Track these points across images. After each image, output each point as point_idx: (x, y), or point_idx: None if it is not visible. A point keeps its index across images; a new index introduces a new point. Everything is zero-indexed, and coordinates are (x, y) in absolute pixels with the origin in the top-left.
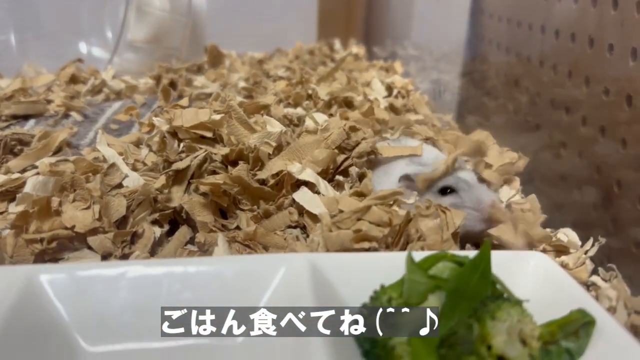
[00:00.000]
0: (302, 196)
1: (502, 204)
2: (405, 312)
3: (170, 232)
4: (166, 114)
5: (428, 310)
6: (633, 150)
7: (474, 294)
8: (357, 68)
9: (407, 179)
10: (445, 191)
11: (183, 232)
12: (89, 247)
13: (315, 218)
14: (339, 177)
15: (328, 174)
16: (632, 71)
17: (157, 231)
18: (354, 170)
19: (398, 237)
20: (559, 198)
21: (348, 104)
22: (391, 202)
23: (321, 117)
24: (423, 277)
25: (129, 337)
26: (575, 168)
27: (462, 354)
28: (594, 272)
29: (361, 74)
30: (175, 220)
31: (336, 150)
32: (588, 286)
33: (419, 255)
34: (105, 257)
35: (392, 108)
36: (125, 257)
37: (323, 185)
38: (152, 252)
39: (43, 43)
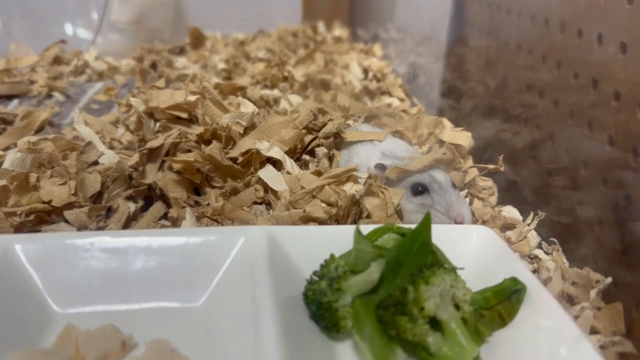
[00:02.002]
0: (267, 174)
1: (470, 215)
2: (350, 278)
3: (146, 208)
4: (143, 95)
5: (370, 275)
6: (597, 132)
7: (413, 262)
8: (337, 51)
9: (381, 168)
10: (416, 189)
11: (157, 207)
12: (66, 221)
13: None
14: (306, 157)
15: (296, 153)
16: (597, 56)
17: (132, 206)
18: (320, 150)
19: (345, 216)
20: (531, 179)
21: (325, 86)
22: (344, 179)
23: (296, 99)
24: (369, 246)
25: (97, 301)
26: (547, 150)
27: (395, 315)
28: (540, 246)
29: (341, 56)
30: (151, 196)
31: (303, 131)
32: (531, 258)
33: (368, 228)
34: (81, 230)
35: (366, 90)
36: (100, 230)
37: (289, 163)
38: (126, 226)
39: (29, 24)
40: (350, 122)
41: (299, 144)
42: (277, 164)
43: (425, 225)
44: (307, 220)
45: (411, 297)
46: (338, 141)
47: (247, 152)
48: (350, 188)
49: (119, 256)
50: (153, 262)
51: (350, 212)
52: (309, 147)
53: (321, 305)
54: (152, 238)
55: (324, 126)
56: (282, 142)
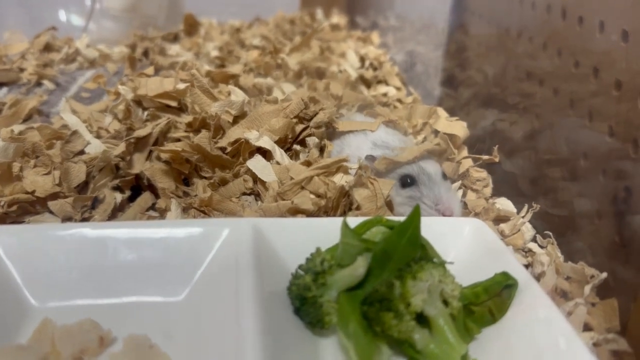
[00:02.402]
0: (256, 164)
1: (460, 208)
2: (336, 272)
3: (134, 198)
4: (131, 83)
5: (356, 269)
6: (598, 122)
7: (401, 256)
8: (334, 38)
9: (371, 159)
10: (405, 181)
11: (145, 198)
12: (50, 212)
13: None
14: (296, 147)
15: (287, 143)
16: (599, 44)
17: (118, 197)
18: (311, 140)
19: (334, 208)
20: (529, 170)
21: (320, 74)
22: (334, 170)
23: (289, 88)
24: (355, 240)
25: (76, 295)
26: (545, 141)
27: (380, 311)
28: (534, 239)
29: (338, 44)
30: (139, 186)
31: (294, 120)
32: (525, 252)
33: (356, 221)
34: (66, 221)
35: (362, 79)
36: (84, 221)
37: (279, 152)
38: (112, 217)
39: (23, 10)
40: (343, 111)
41: (289, 133)
42: (267, 154)
43: (414, 218)
44: (295, 212)
45: (397, 293)
46: (330, 131)
47: (236, 141)
48: (340, 179)
49: (99, 248)
50: (134, 255)
51: (339, 204)
52: (300, 137)
53: (305, 301)
54: (134, 230)
55: (315, 115)
56: (272, 131)
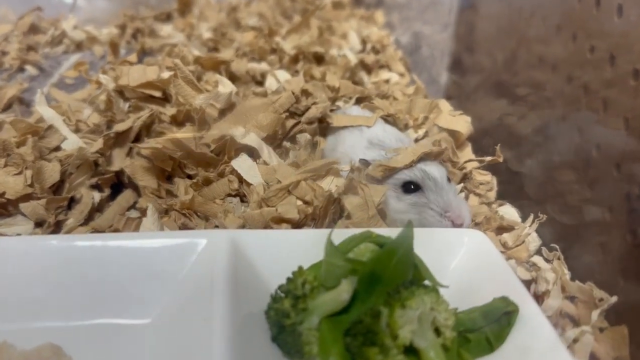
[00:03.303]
0: (241, 164)
1: (470, 215)
2: (318, 296)
3: (115, 196)
4: (112, 72)
5: (340, 294)
6: (613, 112)
7: (390, 279)
8: (336, 17)
9: (364, 164)
10: (409, 187)
11: (126, 196)
12: (23, 214)
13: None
14: (287, 143)
15: (277, 139)
16: (616, 28)
17: (97, 196)
18: (302, 136)
19: (322, 216)
20: (537, 169)
21: (318, 59)
22: (324, 173)
23: (283, 75)
24: (340, 260)
25: (36, 316)
26: (555, 135)
27: (364, 345)
28: (539, 251)
29: (340, 24)
30: (121, 183)
31: (283, 115)
32: (530, 266)
33: (343, 234)
34: (40, 223)
35: (363, 64)
36: (60, 223)
37: (267, 151)
38: (90, 218)
39: None
40: (340, 103)
41: (280, 129)
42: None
43: (407, 236)
44: (280, 221)
45: (384, 323)
46: (325, 125)
47: (221, 138)
48: (330, 183)
49: (64, 264)
50: (101, 272)
51: (328, 212)
52: (291, 133)
53: (283, 329)
54: (101, 243)
55: (307, 110)
56: (260, 127)
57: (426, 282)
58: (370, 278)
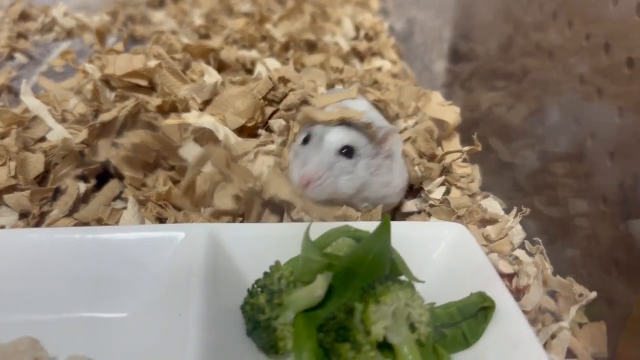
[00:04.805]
0: (188, 152)
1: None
2: (294, 291)
3: (101, 186)
4: (98, 61)
5: (314, 290)
6: (608, 101)
7: (366, 274)
8: (330, 2)
9: (346, 154)
10: (306, 140)
11: (111, 187)
12: (7, 205)
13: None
14: (261, 131)
15: (256, 126)
16: (612, 16)
17: (82, 187)
18: (276, 122)
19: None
20: (527, 158)
21: (310, 46)
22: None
23: (273, 64)
24: (316, 254)
25: (12, 308)
26: (549, 123)
27: (336, 341)
28: (523, 245)
29: (334, 9)
30: (107, 173)
31: (262, 101)
32: (513, 259)
33: (322, 228)
34: (24, 215)
35: (355, 52)
36: (44, 215)
37: (223, 132)
38: (75, 209)
39: None
40: (339, 86)
41: (259, 116)
42: None
43: (383, 230)
44: (219, 215)
45: (358, 319)
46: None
47: (201, 128)
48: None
49: (41, 257)
50: (77, 264)
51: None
52: (271, 120)
53: (258, 324)
54: (78, 236)
55: (284, 97)
56: (238, 114)
57: (403, 277)
58: (345, 273)
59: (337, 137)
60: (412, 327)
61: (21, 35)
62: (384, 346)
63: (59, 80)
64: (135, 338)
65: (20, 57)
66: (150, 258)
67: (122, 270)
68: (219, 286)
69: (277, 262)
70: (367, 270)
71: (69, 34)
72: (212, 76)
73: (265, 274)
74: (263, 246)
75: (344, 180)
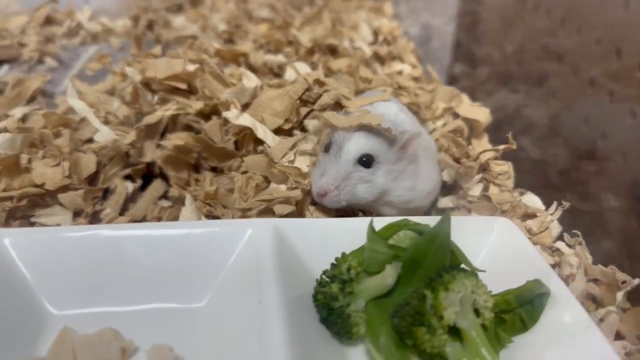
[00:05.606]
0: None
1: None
2: (363, 280)
3: (144, 187)
4: (138, 64)
5: (385, 279)
6: (620, 103)
7: (431, 264)
8: (345, 9)
9: (364, 163)
10: (328, 146)
11: (156, 186)
12: (61, 204)
13: (266, 179)
14: (296, 132)
15: (292, 127)
16: (622, 21)
17: (130, 186)
18: (311, 122)
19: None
20: (556, 156)
21: (332, 51)
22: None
23: (303, 68)
24: (382, 246)
25: (94, 301)
26: (565, 121)
27: (412, 325)
28: (561, 237)
29: (349, 15)
30: (151, 173)
31: (298, 101)
32: (553, 251)
33: (381, 222)
34: (77, 213)
35: (376, 56)
36: (96, 213)
37: (261, 130)
38: (125, 208)
39: None
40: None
41: (294, 116)
42: None
43: (445, 223)
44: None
45: (429, 305)
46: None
47: (241, 130)
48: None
49: (117, 252)
50: (152, 258)
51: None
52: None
53: (332, 311)
54: (151, 232)
55: (319, 97)
56: (276, 114)
57: (462, 266)
58: (411, 263)
59: (356, 145)
60: (477, 312)
61: (49, 40)
62: (452, 330)
63: (91, 84)
64: (213, 326)
65: (49, 61)
66: (221, 252)
67: (194, 263)
68: (287, 276)
69: (344, 254)
70: (431, 261)
71: (94, 38)
72: (251, 80)
73: (333, 264)
74: (322, 239)
75: (362, 189)
